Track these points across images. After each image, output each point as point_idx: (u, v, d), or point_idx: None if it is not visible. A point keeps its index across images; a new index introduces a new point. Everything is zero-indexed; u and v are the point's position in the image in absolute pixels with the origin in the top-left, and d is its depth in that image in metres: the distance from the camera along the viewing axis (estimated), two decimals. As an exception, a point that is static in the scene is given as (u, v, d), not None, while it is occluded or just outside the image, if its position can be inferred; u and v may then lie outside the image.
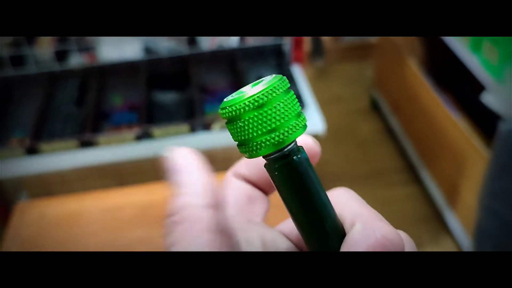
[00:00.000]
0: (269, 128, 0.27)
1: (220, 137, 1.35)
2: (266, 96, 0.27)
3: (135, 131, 1.34)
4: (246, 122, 0.27)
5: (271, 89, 0.27)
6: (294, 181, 0.28)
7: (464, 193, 1.62)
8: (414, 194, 1.94)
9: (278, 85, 0.27)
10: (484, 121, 1.56)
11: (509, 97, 1.27)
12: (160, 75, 1.53)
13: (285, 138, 0.27)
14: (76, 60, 1.56)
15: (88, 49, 1.57)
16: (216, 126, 1.35)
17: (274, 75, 0.28)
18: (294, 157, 0.28)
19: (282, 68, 1.56)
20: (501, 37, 1.35)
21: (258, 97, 0.27)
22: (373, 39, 2.57)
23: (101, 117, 1.43)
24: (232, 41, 1.60)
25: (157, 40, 1.57)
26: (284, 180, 0.28)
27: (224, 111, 0.27)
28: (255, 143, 0.27)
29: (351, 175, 2.05)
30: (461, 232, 1.66)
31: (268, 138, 0.27)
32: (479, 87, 1.45)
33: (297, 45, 1.60)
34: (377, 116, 2.32)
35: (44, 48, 1.53)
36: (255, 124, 0.27)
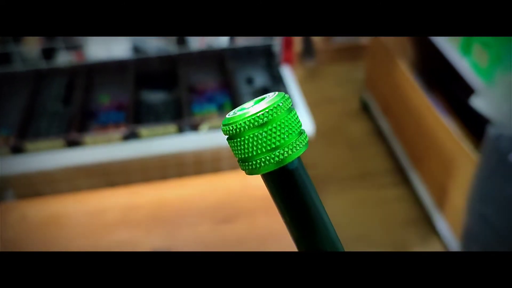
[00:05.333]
0: (270, 147, 0.27)
1: (208, 138, 1.34)
2: (269, 115, 0.27)
3: (122, 131, 1.33)
4: (248, 140, 0.27)
5: (273, 108, 0.27)
6: (292, 194, 0.29)
7: (452, 195, 1.62)
8: (403, 196, 1.94)
9: (281, 103, 0.27)
10: (474, 124, 1.56)
11: (498, 101, 1.27)
12: (148, 75, 1.52)
13: (286, 156, 0.27)
14: (63, 58, 1.54)
15: (75, 47, 1.55)
16: (204, 127, 1.34)
17: (277, 92, 0.29)
18: (294, 174, 0.28)
19: (272, 69, 1.55)
20: (491, 41, 1.34)
21: (260, 115, 0.27)
22: (364, 41, 2.57)
23: (88, 116, 1.41)
24: (222, 41, 1.59)
25: (145, 39, 1.56)
26: (282, 194, 0.29)
27: (226, 127, 0.28)
28: (256, 161, 0.27)
29: (341, 177, 2.05)
30: (449, 235, 1.66)
31: (270, 156, 0.27)
32: (469, 90, 1.45)
33: (287, 45, 1.59)
34: (367, 118, 2.32)
35: (31, 45, 1.51)
36: (257, 142, 0.27)
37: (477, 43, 1.40)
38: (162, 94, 1.49)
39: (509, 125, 1.26)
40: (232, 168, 1.37)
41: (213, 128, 1.34)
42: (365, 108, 2.35)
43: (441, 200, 1.72)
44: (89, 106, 1.44)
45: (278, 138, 0.27)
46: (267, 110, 0.27)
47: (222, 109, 1.43)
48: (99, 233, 0.91)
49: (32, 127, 1.37)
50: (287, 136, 0.27)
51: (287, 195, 0.29)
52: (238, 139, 0.27)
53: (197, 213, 0.92)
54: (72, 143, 1.31)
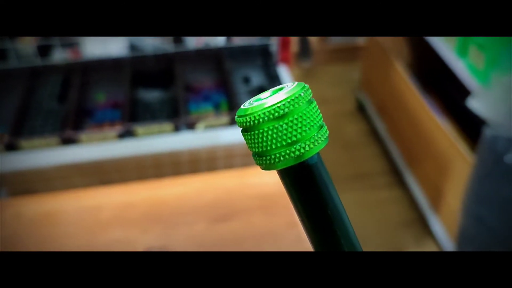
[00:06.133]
0: (289, 140, 0.25)
1: (204, 137, 1.33)
2: (289, 106, 0.25)
3: (118, 129, 1.32)
4: (265, 133, 0.25)
5: (293, 99, 0.25)
6: (311, 192, 0.27)
7: (448, 197, 1.62)
8: (398, 197, 1.94)
9: (301, 94, 0.25)
10: (469, 126, 1.56)
11: (494, 102, 1.27)
12: (145, 73, 1.51)
13: (306, 151, 0.26)
14: (59, 56, 1.53)
15: (71, 45, 1.54)
16: (200, 126, 1.33)
17: (296, 82, 0.27)
18: (314, 170, 0.27)
19: (269, 69, 1.54)
20: (487, 43, 1.35)
21: (279, 107, 0.25)
22: (360, 41, 2.57)
23: (83, 114, 1.41)
24: (219, 40, 1.58)
25: (142, 37, 1.55)
26: (300, 191, 0.27)
27: (241, 119, 0.26)
28: (273, 156, 0.26)
29: (336, 177, 2.04)
30: (444, 236, 1.66)
31: (288, 151, 0.25)
32: (465, 92, 1.45)
33: (284, 45, 1.58)
34: (363, 118, 2.32)
35: (27, 42, 1.50)
36: (275, 135, 0.25)
37: (474, 45, 1.40)
38: (158, 92, 1.49)
39: (505, 126, 1.26)
40: (228, 167, 1.37)
41: (209, 127, 1.33)
42: (361, 109, 2.35)
43: (436, 201, 1.72)
44: (85, 104, 1.44)
45: (298, 131, 0.25)
46: (288, 101, 0.25)
47: (218, 108, 1.42)
48: (94, 231, 0.90)
49: (27, 125, 1.36)
50: (307, 129, 0.25)
51: (306, 192, 0.27)
52: (254, 132, 0.25)
53: (193, 212, 0.92)
54: (67, 141, 1.30)
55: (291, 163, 0.26)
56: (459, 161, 1.51)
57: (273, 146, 0.25)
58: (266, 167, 0.26)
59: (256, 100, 0.26)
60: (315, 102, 0.26)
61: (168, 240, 0.85)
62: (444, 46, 1.56)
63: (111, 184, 1.07)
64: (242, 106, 0.26)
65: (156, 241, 0.85)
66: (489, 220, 1.38)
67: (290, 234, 0.85)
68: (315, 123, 0.26)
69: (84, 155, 1.32)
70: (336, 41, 2.64)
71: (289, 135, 0.25)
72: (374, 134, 2.23)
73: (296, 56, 2.56)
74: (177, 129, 1.33)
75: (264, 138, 0.25)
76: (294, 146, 0.25)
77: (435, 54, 1.62)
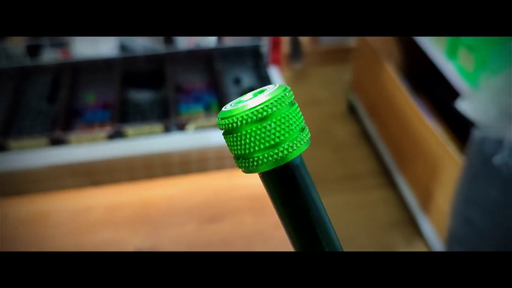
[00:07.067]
0: (272, 142, 0.25)
1: (194, 138, 1.33)
2: (269, 109, 0.25)
3: (108, 130, 1.31)
4: (246, 135, 0.25)
5: (274, 101, 0.25)
6: (293, 195, 0.27)
7: (437, 198, 1.63)
8: (389, 198, 1.95)
9: (282, 96, 0.25)
10: (459, 127, 1.57)
11: (483, 104, 1.28)
12: (135, 73, 1.51)
13: (287, 155, 0.25)
14: (49, 56, 1.52)
15: (61, 45, 1.54)
16: (191, 127, 1.33)
17: (278, 84, 0.26)
18: (295, 173, 0.26)
19: (259, 70, 1.54)
20: (477, 45, 1.36)
21: (261, 109, 0.25)
22: (351, 43, 2.58)
23: (73, 115, 1.40)
24: (210, 41, 1.58)
25: (132, 37, 1.55)
26: (282, 194, 0.27)
27: (222, 121, 0.26)
28: (254, 158, 0.25)
29: (326, 178, 2.05)
30: (434, 237, 1.67)
31: (269, 154, 0.25)
32: (455, 93, 1.46)
33: (275, 46, 1.59)
34: (354, 120, 2.33)
35: (16, 42, 1.49)
36: (256, 138, 0.25)
37: (463, 47, 1.41)
38: (148, 93, 1.48)
39: (493, 128, 1.27)
40: (218, 168, 1.37)
41: (199, 128, 1.33)
42: (352, 110, 2.36)
43: (426, 202, 1.73)
44: (75, 105, 1.43)
45: (278, 134, 0.25)
46: (269, 103, 0.25)
47: (209, 109, 1.42)
48: (83, 232, 0.90)
49: (16, 125, 1.35)
50: (288, 132, 0.25)
51: (287, 195, 0.27)
52: (235, 134, 0.25)
53: (182, 213, 0.92)
54: (57, 142, 1.30)
55: (273, 165, 0.26)
56: (449, 162, 1.52)
57: (256, 148, 0.25)
58: (248, 170, 0.26)
59: (238, 103, 0.26)
60: (297, 104, 0.26)
61: (157, 241, 0.85)
62: (434, 48, 1.57)
63: (102, 185, 1.07)
64: (223, 108, 0.26)
65: (145, 242, 0.85)
66: (477, 222, 1.38)
67: (279, 235, 0.85)
68: (297, 125, 0.26)
69: (74, 155, 1.31)
70: (328, 42, 2.65)
71: (272, 136, 0.25)
72: (364, 135, 2.23)
73: (287, 57, 2.56)
74: (167, 130, 1.33)
75: (246, 140, 0.25)
76: (276, 149, 0.25)
77: (425, 56, 1.63)
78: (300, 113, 0.26)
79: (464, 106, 1.33)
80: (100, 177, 1.36)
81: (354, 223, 1.86)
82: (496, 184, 1.31)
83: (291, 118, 0.25)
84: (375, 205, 1.94)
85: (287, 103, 0.25)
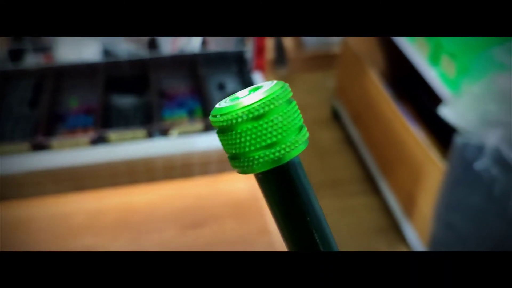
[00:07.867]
0: (269, 141, 0.24)
1: (177, 143, 1.33)
2: (266, 106, 0.24)
3: (90, 135, 1.30)
4: (241, 134, 0.24)
5: (271, 99, 0.24)
6: (290, 197, 0.26)
7: (421, 204, 1.64)
8: (372, 204, 1.96)
9: (279, 94, 0.24)
10: (442, 133, 1.59)
11: (465, 110, 1.30)
12: (119, 78, 1.50)
13: (284, 154, 0.24)
14: (31, 60, 1.51)
15: (44, 49, 1.52)
16: (174, 132, 1.33)
17: (275, 81, 0.25)
18: (293, 175, 0.25)
19: (244, 76, 1.55)
20: (458, 52, 1.37)
21: (256, 107, 0.23)
22: (336, 49, 2.60)
23: (55, 120, 1.39)
24: (194, 46, 1.58)
25: (116, 42, 1.54)
26: (278, 195, 0.26)
27: (215, 119, 0.24)
28: (250, 158, 0.24)
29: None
30: (417, 243, 1.67)
31: (265, 154, 0.24)
32: (437, 99, 1.47)
33: (259, 52, 1.59)
34: (338, 126, 2.34)
35: (-2, 46, 1.47)
36: (252, 137, 0.24)
37: (445, 54, 1.43)
38: (132, 98, 1.48)
39: (474, 134, 1.29)
40: (202, 173, 1.37)
41: (183, 133, 1.33)
42: (336, 116, 2.37)
43: (409, 208, 1.74)
44: (57, 110, 1.42)
45: (276, 132, 0.24)
46: (264, 101, 0.24)
47: (192, 115, 1.42)
48: (65, 238, 0.89)
49: (-3, 130, 1.34)
50: (286, 130, 0.24)
51: (284, 197, 0.26)
52: (231, 133, 0.24)
53: (164, 219, 0.91)
54: (39, 147, 1.28)
55: (269, 166, 0.24)
56: (432, 168, 1.53)
57: (252, 148, 0.24)
58: (243, 171, 0.25)
59: (233, 99, 0.25)
60: (295, 102, 0.25)
61: (139, 246, 0.85)
62: (417, 55, 1.59)
63: (84, 191, 1.06)
64: (217, 105, 0.25)
65: (126, 248, 0.84)
66: (459, 226, 1.40)
67: (262, 241, 0.85)
68: (295, 124, 0.25)
69: (56, 161, 1.30)
70: (312, 48, 2.66)
71: (268, 135, 0.24)
72: (348, 141, 2.24)
73: (271, 63, 2.57)
74: (150, 135, 1.32)
75: (242, 139, 0.24)
76: (272, 149, 0.24)
77: (408, 63, 1.65)
78: (299, 111, 0.25)
79: (446, 112, 1.35)
80: (83, 183, 1.35)
81: (338, 229, 1.87)
82: (477, 190, 1.32)
83: (289, 116, 0.25)
84: (359, 211, 1.94)
85: (284, 100, 0.24)
